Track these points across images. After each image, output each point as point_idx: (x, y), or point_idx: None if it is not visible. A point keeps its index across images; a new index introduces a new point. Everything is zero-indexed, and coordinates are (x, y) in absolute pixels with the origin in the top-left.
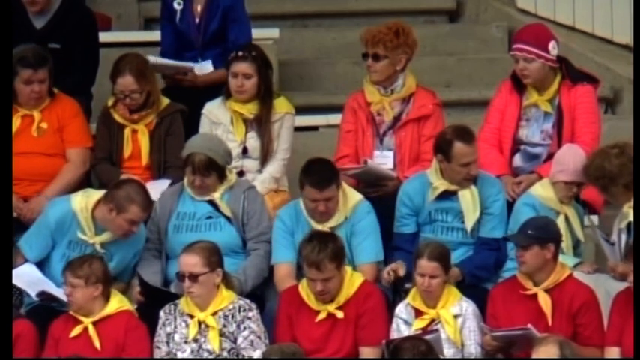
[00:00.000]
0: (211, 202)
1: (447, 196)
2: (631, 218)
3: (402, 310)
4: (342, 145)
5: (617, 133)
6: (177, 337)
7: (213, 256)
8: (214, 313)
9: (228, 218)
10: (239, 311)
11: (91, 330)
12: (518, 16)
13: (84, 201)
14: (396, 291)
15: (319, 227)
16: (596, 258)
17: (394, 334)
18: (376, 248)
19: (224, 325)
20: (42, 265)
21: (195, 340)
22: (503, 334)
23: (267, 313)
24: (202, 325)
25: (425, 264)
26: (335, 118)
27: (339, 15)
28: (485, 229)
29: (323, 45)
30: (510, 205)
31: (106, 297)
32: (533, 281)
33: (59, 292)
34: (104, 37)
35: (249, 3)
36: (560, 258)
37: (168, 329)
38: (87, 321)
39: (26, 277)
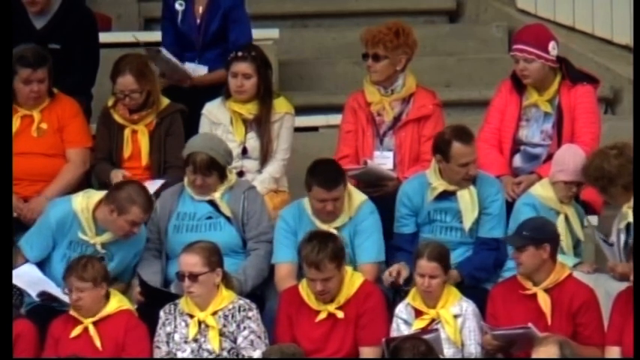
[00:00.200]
0: (211, 202)
1: (445, 196)
2: (630, 219)
3: (402, 310)
4: (342, 145)
5: (617, 133)
6: (177, 337)
7: (213, 256)
8: (214, 313)
9: (228, 218)
10: (239, 311)
11: (92, 330)
12: (518, 16)
13: (85, 201)
14: (397, 291)
15: (324, 227)
16: (596, 258)
17: (394, 334)
18: (378, 248)
19: (224, 325)
20: (42, 265)
21: (195, 340)
22: (503, 333)
23: (267, 313)
24: (202, 325)
25: (424, 264)
26: (335, 118)
27: (339, 15)
28: (484, 229)
29: (323, 45)
30: (510, 206)
31: (106, 297)
32: (532, 281)
33: (59, 293)
34: (104, 37)
35: (249, 3)
36: (561, 258)
37: (168, 329)
38: (87, 321)
39: (26, 278)
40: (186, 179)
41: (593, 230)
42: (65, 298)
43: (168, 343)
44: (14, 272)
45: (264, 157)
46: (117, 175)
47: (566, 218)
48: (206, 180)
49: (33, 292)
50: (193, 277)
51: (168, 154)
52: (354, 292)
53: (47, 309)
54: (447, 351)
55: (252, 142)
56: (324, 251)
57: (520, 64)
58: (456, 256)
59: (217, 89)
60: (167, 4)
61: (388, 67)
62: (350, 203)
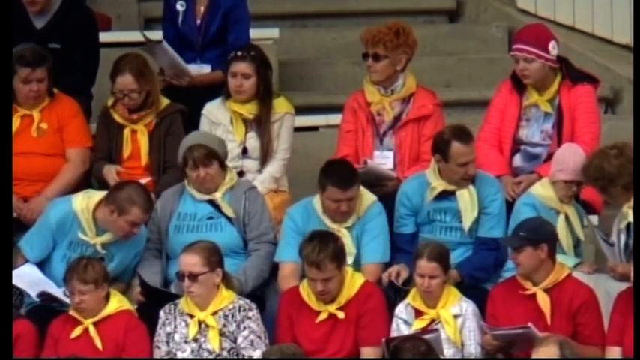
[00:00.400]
0: (212, 203)
1: (445, 196)
2: (630, 219)
3: (402, 310)
4: (342, 145)
5: (617, 133)
6: (177, 336)
7: (213, 256)
8: (214, 313)
9: (229, 219)
10: (239, 311)
11: (92, 330)
12: (518, 16)
13: (85, 202)
14: (397, 291)
15: (335, 227)
16: (596, 258)
17: (394, 334)
18: (383, 249)
19: (224, 325)
20: (42, 265)
21: (195, 340)
22: (503, 333)
23: (267, 313)
24: (202, 325)
25: (424, 264)
26: (335, 118)
27: (339, 15)
28: (483, 229)
29: (323, 45)
30: (510, 205)
31: (106, 297)
32: (532, 281)
33: (60, 293)
34: (104, 37)
35: (249, 3)
36: (561, 258)
37: (168, 329)
38: (87, 321)
39: (27, 278)
40: (187, 180)
41: (594, 230)
42: (65, 299)
43: (168, 342)
44: (14, 272)
45: (264, 157)
46: (110, 171)
47: (567, 218)
48: (208, 171)
49: (33, 293)
50: (193, 276)
51: (168, 154)
52: (354, 292)
53: (47, 309)
54: (447, 351)
55: (252, 142)
56: (325, 251)
57: (520, 64)
58: (455, 256)
59: (217, 89)
60: (168, 5)
61: (388, 67)
62: (360, 204)
